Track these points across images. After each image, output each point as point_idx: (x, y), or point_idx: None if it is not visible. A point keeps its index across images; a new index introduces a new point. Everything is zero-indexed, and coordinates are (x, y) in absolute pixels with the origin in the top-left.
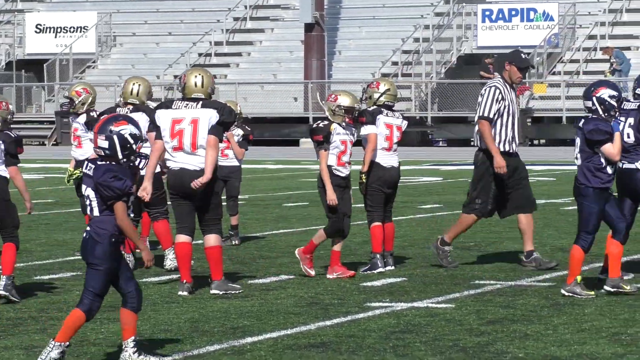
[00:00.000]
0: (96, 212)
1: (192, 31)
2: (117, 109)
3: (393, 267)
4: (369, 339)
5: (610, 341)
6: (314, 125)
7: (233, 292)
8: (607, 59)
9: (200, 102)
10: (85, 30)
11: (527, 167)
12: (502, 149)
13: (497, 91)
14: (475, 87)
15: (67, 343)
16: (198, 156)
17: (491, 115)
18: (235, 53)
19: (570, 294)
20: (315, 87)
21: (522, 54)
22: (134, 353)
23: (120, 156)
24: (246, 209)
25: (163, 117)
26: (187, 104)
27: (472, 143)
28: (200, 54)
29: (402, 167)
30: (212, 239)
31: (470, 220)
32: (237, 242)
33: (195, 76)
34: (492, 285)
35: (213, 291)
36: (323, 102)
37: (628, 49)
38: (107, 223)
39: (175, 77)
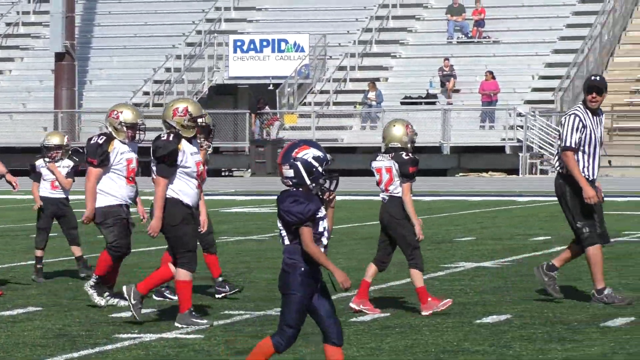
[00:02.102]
0: (286, 242)
1: None
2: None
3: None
4: None
5: None
6: None
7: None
8: (360, 90)
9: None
10: None
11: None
12: (586, 176)
13: (577, 119)
14: (226, 117)
15: None
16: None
17: (574, 145)
18: None
19: None
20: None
21: (591, 77)
22: None
23: (308, 182)
24: None
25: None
26: None
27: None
28: None
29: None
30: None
31: (599, 253)
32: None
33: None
34: (241, 315)
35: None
36: None
37: (377, 79)
38: (296, 252)
39: None
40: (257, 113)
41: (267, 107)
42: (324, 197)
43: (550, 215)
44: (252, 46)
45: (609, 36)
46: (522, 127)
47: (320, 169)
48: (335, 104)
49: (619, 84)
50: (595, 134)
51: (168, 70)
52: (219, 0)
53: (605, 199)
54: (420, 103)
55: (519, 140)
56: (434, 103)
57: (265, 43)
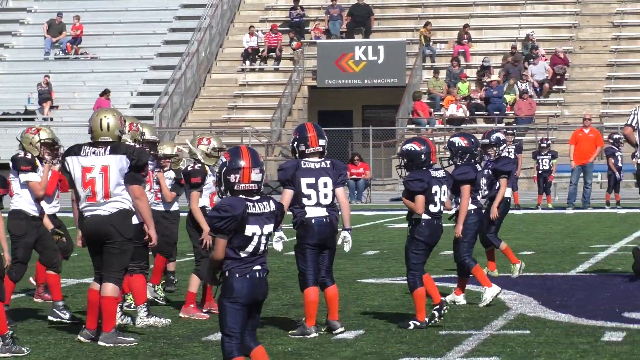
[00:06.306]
0: None
1: None
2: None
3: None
4: None
5: None
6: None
7: (124, 344)
8: None
9: (109, 147)
10: None
11: None
12: None
13: None
14: None
15: None
16: (112, 202)
17: None
18: None
19: None
20: None
21: None
22: None
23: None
24: None
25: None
26: (95, 150)
27: None
28: None
29: None
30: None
31: None
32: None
33: (102, 118)
34: None
35: (101, 343)
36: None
37: None
38: None
39: None
40: None
41: None
42: None
43: None
44: None
45: (205, 53)
46: None
47: None
48: None
49: (217, 100)
50: None
51: None
52: None
53: None
54: (19, 119)
55: None
56: (33, 119)
57: None
